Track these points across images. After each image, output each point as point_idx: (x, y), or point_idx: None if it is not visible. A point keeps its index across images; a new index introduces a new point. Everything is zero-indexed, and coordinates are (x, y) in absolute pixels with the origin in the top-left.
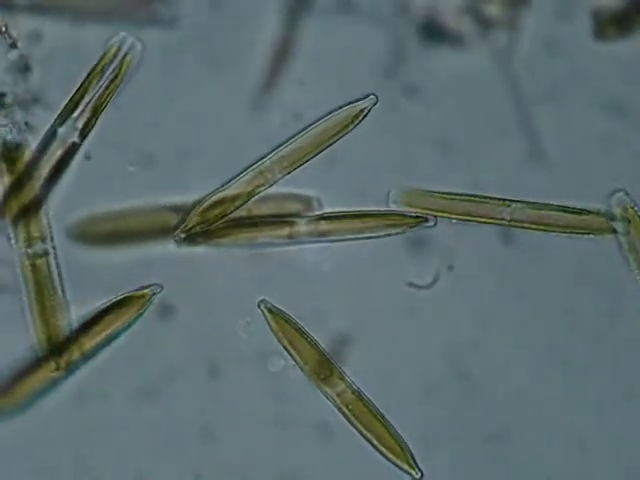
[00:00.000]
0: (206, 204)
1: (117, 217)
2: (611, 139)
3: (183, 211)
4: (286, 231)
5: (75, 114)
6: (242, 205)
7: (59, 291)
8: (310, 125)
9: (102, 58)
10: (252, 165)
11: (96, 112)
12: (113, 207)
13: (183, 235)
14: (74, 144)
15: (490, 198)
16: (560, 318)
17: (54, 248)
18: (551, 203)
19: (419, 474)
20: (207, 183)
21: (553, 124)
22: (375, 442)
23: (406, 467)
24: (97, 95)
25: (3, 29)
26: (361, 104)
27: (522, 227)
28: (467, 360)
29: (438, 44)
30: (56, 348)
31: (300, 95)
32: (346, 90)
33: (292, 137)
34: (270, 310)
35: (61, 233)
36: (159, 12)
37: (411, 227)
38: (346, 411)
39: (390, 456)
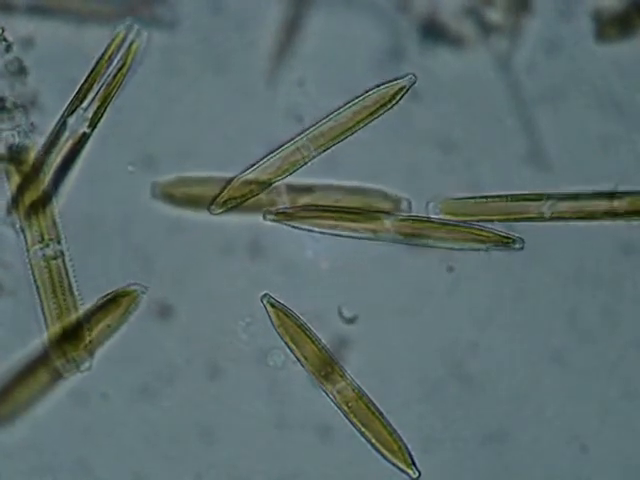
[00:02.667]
0: (241, 179)
1: (205, 183)
2: (611, 139)
3: (273, 187)
4: (370, 226)
5: (84, 104)
6: (277, 182)
7: (74, 291)
8: (347, 103)
9: (109, 46)
10: (288, 142)
11: (105, 101)
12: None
13: (217, 209)
14: (84, 134)
15: (525, 195)
16: (560, 318)
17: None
18: (587, 191)
19: (417, 474)
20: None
21: (553, 124)
22: (373, 441)
23: (404, 467)
24: (105, 84)
25: None
26: (400, 82)
27: (564, 220)
28: (467, 360)
29: (438, 44)
30: (72, 345)
31: (300, 95)
32: (346, 90)
33: (329, 115)
34: (272, 305)
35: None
36: (159, 13)
37: (496, 246)
38: (346, 408)
39: (388, 455)
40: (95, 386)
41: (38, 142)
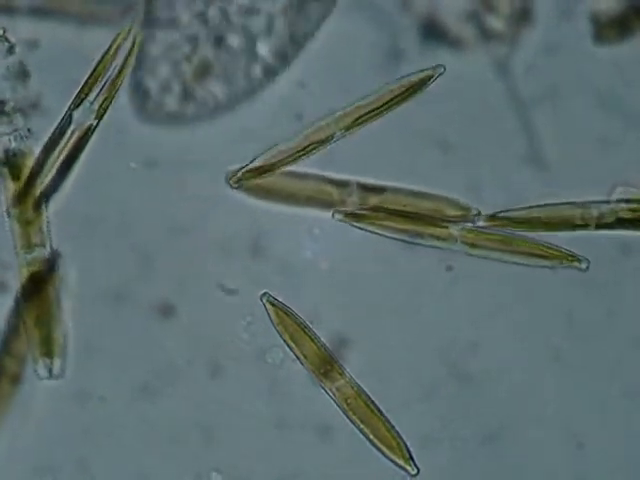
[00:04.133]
0: (263, 155)
1: (280, 177)
2: (610, 140)
3: (344, 186)
4: (436, 233)
5: (90, 97)
6: (298, 159)
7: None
8: (374, 90)
9: (114, 41)
10: (313, 121)
11: (110, 93)
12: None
13: (236, 183)
14: (90, 126)
15: (564, 204)
16: (560, 318)
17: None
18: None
19: (415, 470)
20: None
21: (552, 125)
22: (372, 437)
23: (402, 463)
24: (111, 77)
25: (0, 32)
26: (429, 72)
27: (611, 228)
28: (466, 360)
29: (438, 45)
30: (50, 352)
31: (300, 95)
32: (346, 90)
33: (356, 99)
34: (272, 304)
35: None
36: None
37: (561, 264)
38: (345, 406)
39: (387, 452)
40: (95, 386)
41: (34, 148)
